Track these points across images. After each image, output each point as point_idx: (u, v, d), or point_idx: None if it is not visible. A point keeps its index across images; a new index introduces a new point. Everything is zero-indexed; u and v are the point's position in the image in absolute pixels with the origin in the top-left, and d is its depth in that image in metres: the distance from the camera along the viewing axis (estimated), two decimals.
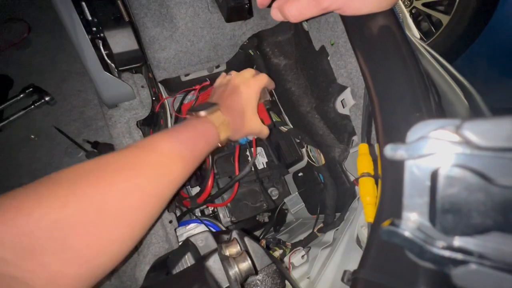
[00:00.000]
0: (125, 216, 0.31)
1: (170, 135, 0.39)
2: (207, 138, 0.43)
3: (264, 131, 0.51)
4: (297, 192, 0.65)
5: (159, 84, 0.66)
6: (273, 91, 0.64)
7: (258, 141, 0.67)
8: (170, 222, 0.51)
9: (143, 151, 0.35)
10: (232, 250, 0.36)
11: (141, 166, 0.34)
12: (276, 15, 0.37)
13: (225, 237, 0.42)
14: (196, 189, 0.60)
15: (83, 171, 0.31)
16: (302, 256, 0.48)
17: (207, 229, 0.52)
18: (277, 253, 0.51)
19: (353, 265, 0.32)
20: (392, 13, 0.33)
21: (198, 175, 0.62)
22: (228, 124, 0.46)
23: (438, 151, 0.19)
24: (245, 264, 0.34)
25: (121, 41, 0.48)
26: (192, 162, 0.40)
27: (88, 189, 0.29)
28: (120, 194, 0.31)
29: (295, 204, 0.64)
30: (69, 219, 0.27)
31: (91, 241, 0.28)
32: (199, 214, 0.62)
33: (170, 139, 0.38)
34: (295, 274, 0.46)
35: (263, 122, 0.51)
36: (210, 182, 0.54)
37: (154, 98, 0.60)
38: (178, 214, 0.57)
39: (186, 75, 0.68)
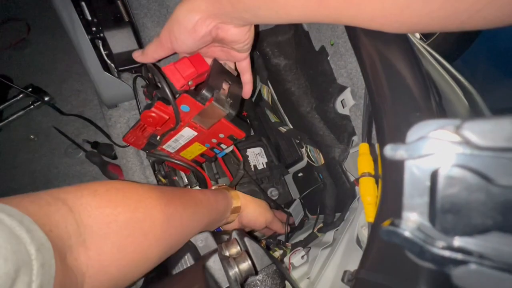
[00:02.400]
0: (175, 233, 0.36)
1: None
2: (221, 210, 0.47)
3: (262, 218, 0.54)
4: (298, 199, 0.64)
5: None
6: (273, 91, 0.64)
7: (257, 142, 0.67)
8: None
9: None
10: (232, 250, 0.36)
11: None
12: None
13: (225, 237, 0.43)
14: (196, 189, 0.60)
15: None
16: (302, 257, 0.48)
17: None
18: (277, 253, 0.51)
19: (353, 265, 0.32)
20: None
21: (198, 176, 0.62)
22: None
23: (438, 151, 0.19)
24: (245, 264, 0.34)
25: (121, 41, 0.48)
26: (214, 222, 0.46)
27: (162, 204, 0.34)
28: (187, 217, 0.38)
29: (297, 214, 0.63)
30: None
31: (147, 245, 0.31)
32: None
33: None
34: (295, 274, 0.46)
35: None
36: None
37: None
38: None
39: None
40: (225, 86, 0.44)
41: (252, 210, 0.52)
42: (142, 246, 0.31)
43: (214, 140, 0.49)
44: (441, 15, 0.25)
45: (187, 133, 0.48)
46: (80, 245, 0.25)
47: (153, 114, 0.44)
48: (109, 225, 0.28)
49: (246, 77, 0.47)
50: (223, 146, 0.51)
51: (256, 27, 0.41)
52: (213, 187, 0.55)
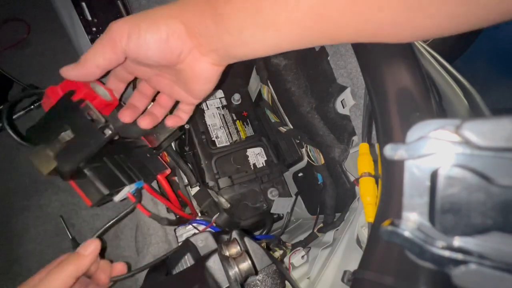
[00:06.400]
0: None
1: None
2: None
3: None
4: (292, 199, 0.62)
5: None
6: (273, 91, 0.64)
7: (257, 142, 0.67)
8: None
9: None
10: (232, 250, 0.36)
11: None
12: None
13: (225, 237, 0.42)
14: (196, 189, 0.60)
15: None
16: (302, 257, 0.48)
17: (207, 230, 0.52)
18: (277, 253, 0.51)
19: (353, 265, 0.32)
20: None
21: (197, 175, 0.62)
22: None
23: (438, 151, 0.19)
24: (245, 264, 0.34)
25: None
26: None
27: None
28: None
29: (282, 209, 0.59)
30: None
31: None
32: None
33: None
34: (295, 274, 0.46)
35: None
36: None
37: None
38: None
39: None
40: (65, 131, 0.35)
41: None
42: None
43: None
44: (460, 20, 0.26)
45: None
46: None
47: None
48: None
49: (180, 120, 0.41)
50: None
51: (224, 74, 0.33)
52: None
